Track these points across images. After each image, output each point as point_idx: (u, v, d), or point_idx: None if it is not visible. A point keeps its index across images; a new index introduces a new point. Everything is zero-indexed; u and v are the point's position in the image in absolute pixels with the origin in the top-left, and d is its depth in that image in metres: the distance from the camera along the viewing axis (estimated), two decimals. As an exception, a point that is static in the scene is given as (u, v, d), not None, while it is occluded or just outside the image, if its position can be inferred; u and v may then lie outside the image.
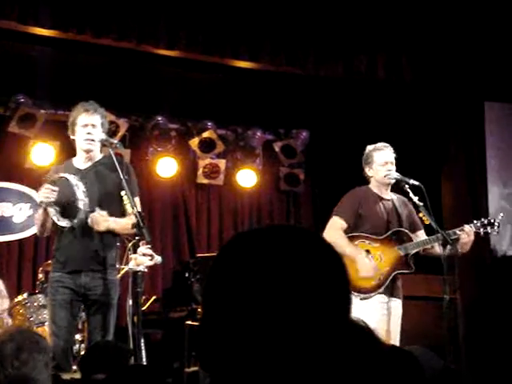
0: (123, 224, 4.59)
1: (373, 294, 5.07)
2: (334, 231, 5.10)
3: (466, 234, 5.04)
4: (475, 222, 5.22)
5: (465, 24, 7.13)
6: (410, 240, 5.22)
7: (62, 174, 4.63)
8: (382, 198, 5.28)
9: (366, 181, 5.37)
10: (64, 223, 4.55)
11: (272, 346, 1.10)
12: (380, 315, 5.07)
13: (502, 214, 5.49)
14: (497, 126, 7.61)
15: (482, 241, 6.80)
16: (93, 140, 4.67)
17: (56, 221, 4.54)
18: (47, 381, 2.53)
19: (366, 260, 5.08)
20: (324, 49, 6.87)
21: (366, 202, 5.23)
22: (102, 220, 4.55)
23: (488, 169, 7.52)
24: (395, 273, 5.16)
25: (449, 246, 4.94)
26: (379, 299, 5.10)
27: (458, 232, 5.06)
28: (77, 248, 4.57)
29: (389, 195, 5.31)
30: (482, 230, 5.23)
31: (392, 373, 1.16)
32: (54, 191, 4.47)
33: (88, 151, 4.72)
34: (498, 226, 5.27)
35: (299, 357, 1.10)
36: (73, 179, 4.59)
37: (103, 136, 4.69)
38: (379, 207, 5.24)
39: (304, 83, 7.42)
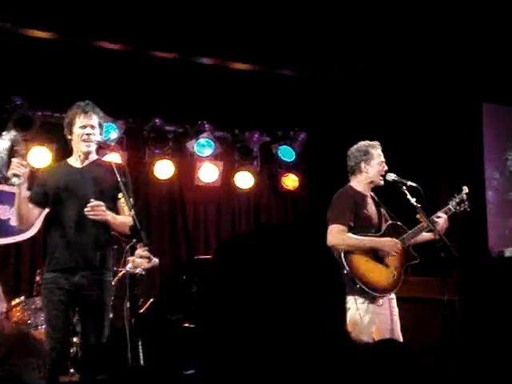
0: (121, 219, 4.55)
1: (391, 293, 5.04)
2: (339, 236, 4.97)
3: (442, 220, 5.17)
4: (449, 204, 5.32)
5: (463, 26, 7.16)
6: (405, 231, 5.18)
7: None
8: (367, 196, 5.21)
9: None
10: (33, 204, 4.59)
11: (265, 347, 1.12)
12: (388, 314, 5.05)
13: (465, 188, 5.45)
14: (494, 127, 7.64)
15: (479, 242, 6.83)
16: (91, 142, 4.65)
17: (24, 192, 4.51)
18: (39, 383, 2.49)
19: (387, 239, 5.04)
20: (320, 51, 6.90)
21: (357, 202, 5.13)
22: (100, 208, 4.49)
23: (485, 171, 7.55)
24: (405, 266, 5.16)
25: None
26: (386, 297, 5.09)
27: (435, 219, 5.17)
28: (70, 248, 4.53)
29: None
30: (457, 208, 5.33)
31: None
32: (23, 165, 4.36)
33: (86, 153, 4.70)
34: (466, 201, 5.34)
35: (291, 358, 1.12)
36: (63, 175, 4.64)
37: (100, 138, 4.70)
38: (367, 205, 5.17)
39: (300, 85, 7.44)
